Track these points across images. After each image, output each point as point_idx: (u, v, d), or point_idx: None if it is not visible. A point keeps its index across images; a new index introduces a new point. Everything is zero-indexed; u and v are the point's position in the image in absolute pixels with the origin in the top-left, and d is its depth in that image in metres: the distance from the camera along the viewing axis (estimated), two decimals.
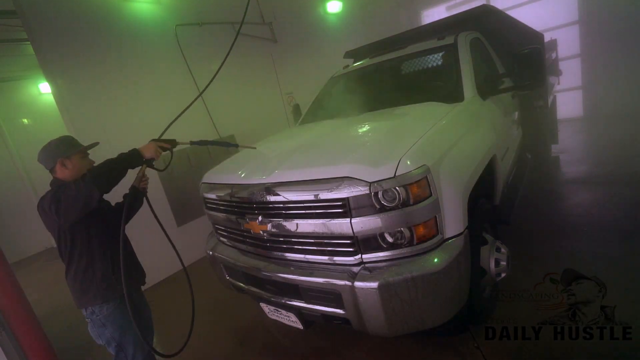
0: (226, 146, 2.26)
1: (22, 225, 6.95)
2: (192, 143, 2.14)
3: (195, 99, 2.29)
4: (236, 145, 2.33)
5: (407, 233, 1.61)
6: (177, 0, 4.56)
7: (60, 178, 1.80)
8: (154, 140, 1.94)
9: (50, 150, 1.78)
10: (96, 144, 1.94)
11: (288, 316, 2.06)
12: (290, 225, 1.83)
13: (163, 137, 2.01)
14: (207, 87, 2.30)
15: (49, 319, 3.85)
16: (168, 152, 2.00)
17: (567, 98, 7.44)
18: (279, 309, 2.07)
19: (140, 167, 1.92)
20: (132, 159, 1.83)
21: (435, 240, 1.65)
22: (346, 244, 1.70)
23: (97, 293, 1.80)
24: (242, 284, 2.24)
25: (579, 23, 7.23)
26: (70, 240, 1.76)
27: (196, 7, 4.76)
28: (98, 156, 1.89)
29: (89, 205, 1.63)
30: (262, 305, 2.20)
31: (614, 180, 4.05)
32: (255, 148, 2.43)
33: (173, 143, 1.99)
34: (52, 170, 1.82)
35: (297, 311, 1.97)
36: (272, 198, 1.84)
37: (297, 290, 1.87)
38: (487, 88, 2.68)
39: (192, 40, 4.64)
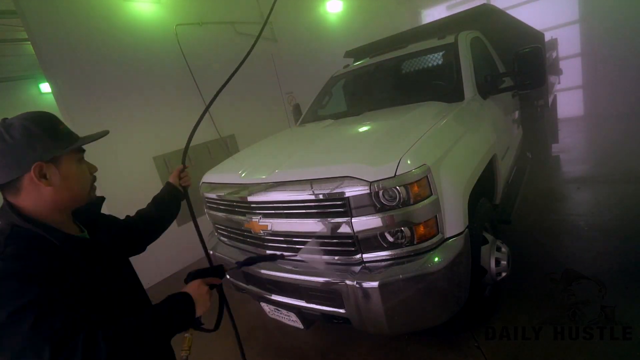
0: None
1: None
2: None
3: (204, 112, 1.70)
4: None
5: (407, 232, 1.61)
6: (177, 0, 4.56)
7: (22, 208, 0.89)
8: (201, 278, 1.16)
9: (12, 147, 0.89)
10: (105, 132, 1.09)
11: (288, 315, 2.06)
12: (291, 224, 1.83)
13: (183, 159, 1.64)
14: (213, 99, 1.72)
15: None
16: None
17: (568, 97, 7.44)
18: (280, 309, 2.07)
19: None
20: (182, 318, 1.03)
21: (435, 239, 1.65)
22: (346, 244, 1.70)
23: None
24: (242, 284, 2.24)
25: (580, 22, 7.23)
26: None
27: (196, 7, 4.76)
28: (99, 161, 1.22)
29: None
30: (263, 304, 2.20)
31: (614, 180, 4.05)
32: None
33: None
34: (7, 188, 0.89)
35: (298, 310, 1.97)
36: (273, 197, 1.84)
37: (297, 290, 1.87)
38: (487, 87, 2.68)
39: (192, 40, 4.64)
